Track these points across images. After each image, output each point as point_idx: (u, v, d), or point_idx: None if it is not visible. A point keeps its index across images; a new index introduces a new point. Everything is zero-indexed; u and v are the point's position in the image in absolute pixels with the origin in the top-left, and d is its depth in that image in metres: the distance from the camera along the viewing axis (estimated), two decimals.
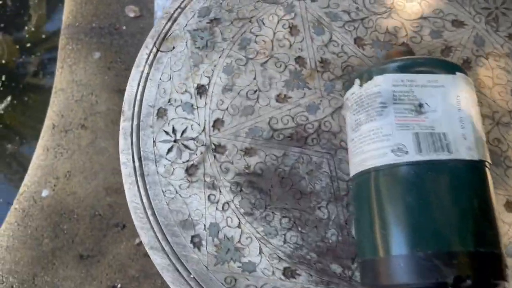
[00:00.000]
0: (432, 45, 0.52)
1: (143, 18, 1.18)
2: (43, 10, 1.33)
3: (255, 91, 0.50)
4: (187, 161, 0.48)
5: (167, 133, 0.49)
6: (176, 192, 0.47)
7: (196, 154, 0.48)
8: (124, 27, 1.17)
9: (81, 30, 1.15)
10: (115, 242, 0.97)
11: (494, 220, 0.36)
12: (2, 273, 0.94)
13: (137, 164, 0.48)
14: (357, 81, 0.42)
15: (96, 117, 1.06)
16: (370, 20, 0.53)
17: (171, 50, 0.53)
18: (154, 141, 0.49)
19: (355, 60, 0.51)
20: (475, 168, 0.37)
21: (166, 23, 0.54)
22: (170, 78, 0.52)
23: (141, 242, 0.95)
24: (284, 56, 0.52)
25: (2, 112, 1.24)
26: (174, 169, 0.48)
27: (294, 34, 0.53)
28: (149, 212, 0.47)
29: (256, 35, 0.53)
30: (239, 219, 0.46)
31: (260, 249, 0.45)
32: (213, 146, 0.48)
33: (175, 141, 0.49)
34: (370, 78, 0.41)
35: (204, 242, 0.45)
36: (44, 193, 1.00)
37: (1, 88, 1.26)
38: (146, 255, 0.96)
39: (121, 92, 1.08)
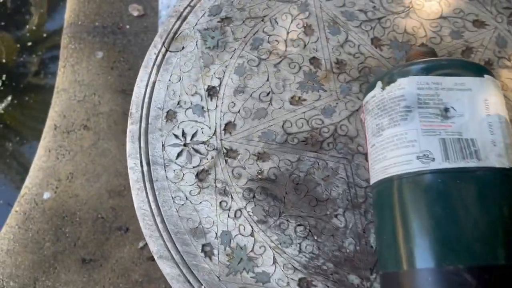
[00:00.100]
0: (452, 46, 0.50)
1: (147, 17, 1.16)
2: (44, 9, 1.31)
3: (268, 93, 0.48)
4: (198, 166, 0.46)
5: (176, 136, 0.48)
6: (186, 199, 0.45)
7: (207, 159, 0.46)
8: (127, 26, 1.15)
9: (84, 29, 1.13)
10: (118, 246, 0.95)
11: None
12: (3, 277, 0.92)
13: (145, 169, 0.47)
14: (379, 84, 0.40)
15: (98, 118, 1.04)
16: (388, 19, 0.51)
17: (181, 50, 0.51)
18: (163, 145, 0.47)
19: (372, 61, 0.50)
20: (506, 176, 0.35)
21: (175, 22, 0.52)
22: (180, 79, 0.50)
23: (144, 245, 0.93)
24: (298, 56, 0.50)
25: (2, 111, 1.22)
26: (184, 174, 0.46)
27: (309, 34, 0.51)
28: (158, 220, 0.45)
29: (269, 35, 0.51)
30: (252, 227, 0.44)
31: (274, 258, 0.43)
32: (225, 151, 0.47)
33: (185, 145, 0.47)
34: (393, 80, 0.39)
35: (215, 251, 0.43)
36: (46, 195, 0.99)
37: (1, 88, 1.24)
38: (150, 259, 0.94)
39: (124, 92, 1.06)
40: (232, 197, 0.45)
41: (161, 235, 0.45)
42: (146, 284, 0.91)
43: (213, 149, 0.47)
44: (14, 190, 1.09)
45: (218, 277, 0.43)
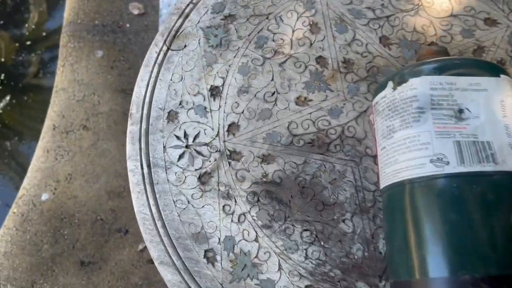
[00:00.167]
0: (464, 45, 0.48)
1: (148, 16, 1.15)
2: (43, 7, 1.30)
3: (273, 93, 0.47)
4: (200, 168, 0.45)
5: (178, 138, 0.46)
6: (188, 202, 0.44)
7: (210, 161, 0.45)
8: (127, 25, 1.14)
9: (83, 28, 1.11)
10: (118, 248, 0.93)
11: None
12: (0, 280, 0.90)
13: (145, 171, 0.45)
14: (390, 84, 0.38)
15: (98, 118, 1.02)
16: (397, 17, 0.50)
17: (183, 49, 0.50)
18: (164, 147, 0.46)
19: (380, 60, 0.48)
20: None
21: (177, 19, 0.51)
22: (182, 78, 0.48)
23: (144, 248, 0.91)
24: (304, 55, 0.48)
25: (0, 111, 1.20)
26: (185, 177, 0.45)
27: (315, 32, 0.50)
28: (158, 224, 0.43)
29: (274, 33, 0.50)
30: (256, 232, 0.42)
31: (280, 265, 0.41)
32: (228, 153, 0.45)
33: (187, 146, 0.46)
34: (404, 80, 0.37)
35: (218, 257, 0.42)
36: (44, 196, 0.98)
37: (0, 87, 1.22)
38: (149, 261, 0.92)
39: (124, 92, 1.05)
40: (235, 201, 0.44)
41: (162, 240, 0.43)
42: (146, 287, 0.90)
43: (216, 151, 0.45)
44: (13, 191, 1.08)
45: (221, 284, 0.41)
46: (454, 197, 0.33)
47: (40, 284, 0.90)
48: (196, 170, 0.45)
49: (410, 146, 0.36)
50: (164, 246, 0.43)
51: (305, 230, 0.43)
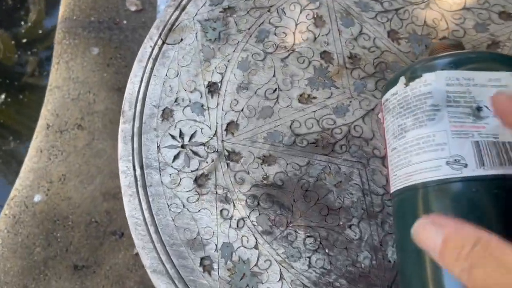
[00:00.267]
0: (477, 40, 0.45)
1: (145, 12, 1.12)
2: (42, 6, 1.27)
3: (275, 90, 0.44)
4: (196, 170, 0.42)
5: (173, 137, 0.43)
6: (183, 206, 0.41)
7: (207, 162, 0.42)
8: (124, 22, 1.11)
9: (79, 24, 1.09)
10: (113, 252, 0.91)
11: None
12: None
13: (138, 172, 0.42)
14: (402, 79, 0.35)
15: (93, 117, 1.00)
16: (406, 10, 0.47)
17: (179, 43, 0.47)
18: (158, 147, 0.43)
19: (389, 56, 0.45)
20: None
21: (174, 12, 0.48)
22: (178, 74, 0.46)
23: None
24: (308, 50, 0.46)
25: None
26: (181, 179, 0.42)
27: (319, 26, 0.47)
28: (151, 229, 0.41)
29: (276, 27, 0.47)
30: (256, 239, 0.40)
31: (281, 274, 0.39)
32: (226, 153, 0.42)
33: (182, 146, 0.43)
34: (418, 75, 0.34)
35: (215, 266, 0.39)
36: (37, 198, 0.96)
37: None
38: None
39: (120, 90, 1.02)
40: (234, 205, 0.41)
41: (155, 247, 0.40)
42: None
43: (214, 152, 0.43)
44: (5, 191, 1.05)
45: None
46: (473, 203, 0.30)
47: None
48: (192, 171, 0.42)
49: (424, 147, 0.33)
50: (157, 253, 0.40)
51: (309, 236, 0.40)
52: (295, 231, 0.40)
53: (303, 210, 0.41)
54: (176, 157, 0.43)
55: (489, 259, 0.21)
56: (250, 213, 0.41)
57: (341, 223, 0.40)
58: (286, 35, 0.47)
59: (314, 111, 0.44)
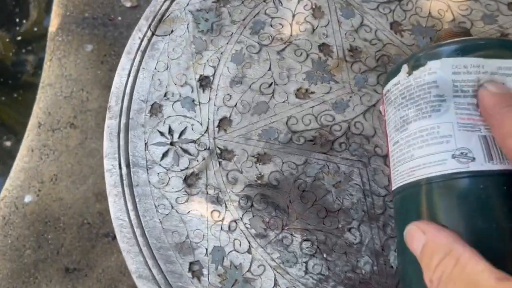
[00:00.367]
0: (485, 32, 0.43)
1: (140, 8, 1.11)
2: (42, 6, 1.26)
3: (270, 85, 0.42)
4: (186, 168, 0.40)
5: (162, 134, 0.41)
6: (172, 207, 0.39)
7: (197, 161, 0.40)
8: (119, 18, 1.10)
9: (72, 20, 1.07)
10: (105, 254, 0.89)
11: None
12: None
13: (124, 171, 0.40)
14: (405, 68, 0.33)
15: (86, 116, 0.98)
16: (410, 1, 0.45)
17: (169, 34, 0.45)
18: (146, 144, 0.41)
19: (391, 48, 0.43)
20: None
21: (164, 1, 0.46)
22: (167, 67, 0.43)
23: None
24: (306, 42, 0.44)
25: None
26: (169, 178, 0.40)
27: (318, 17, 0.45)
28: (137, 232, 0.38)
29: (272, 18, 0.45)
30: (249, 242, 0.38)
31: (276, 280, 0.37)
32: (218, 151, 0.40)
33: (171, 143, 0.41)
34: (421, 64, 0.32)
35: (205, 271, 0.37)
36: (27, 198, 0.94)
37: None
38: None
39: None
40: (226, 206, 0.39)
41: (141, 250, 0.38)
42: None
43: (205, 149, 0.40)
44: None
45: None
46: (481, 200, 0.28)
47: None
48: (181, 170, 0.40)
49: (427, 139, 0.30)
50: (144, 257, 0.38)
51: (305, 240, 0.38)
52: (291, 234, 0.38)
53: (299, 212, 0.39)
54: (164, 155, 0.41)
55: (459, 276, 0.22)
56: (243, 215, 0.39)
57: (340, 226, 0.38)
58: (282, 27, 0.44)
59: (312, 107, 0.41)
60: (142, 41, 0.45)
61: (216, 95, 0.42)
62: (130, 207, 0.39)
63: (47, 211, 0.91)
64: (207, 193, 0.39)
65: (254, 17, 0.45)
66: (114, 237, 0.91)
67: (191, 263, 0.38)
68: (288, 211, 0.39)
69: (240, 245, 0.38)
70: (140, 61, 0.44)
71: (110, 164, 0.41)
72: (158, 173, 0.40)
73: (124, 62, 0.44)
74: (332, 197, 0.39)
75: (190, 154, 0.41)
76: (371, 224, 0.38)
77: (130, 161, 0.41)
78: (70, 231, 0.90)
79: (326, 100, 0.42)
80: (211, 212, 0.39)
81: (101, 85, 1.00)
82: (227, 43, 0.44)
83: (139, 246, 0.38)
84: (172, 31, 0.45)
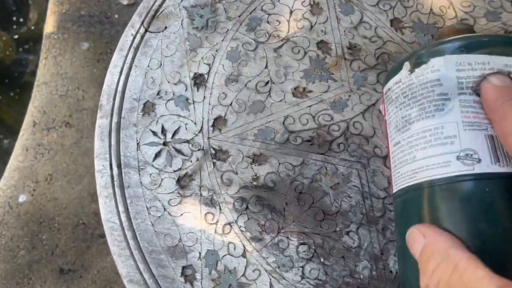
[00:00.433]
0: (488, 29, 0.42)
1: (137, 6, 1.09)
2: (43, 7, 1.25)
3: (267, 83, 0.41)
4: (179, 169, 0.39)
5: (154, 133, 0.40)
6: (164, 210, 0.38)
7: (191, 161, 0.39)
8: (116, 16, 1.08)
9: (68, 18, 1.06)
10: (101, 255, 0.88)
11: None
12: None
13: (115, 172, 0.39)
14: (406, 65, 0.32)
15: (82, 114, 0.97)
16: None
17: (163, 31, 0.44)
18: (138, 144, 0.40)
19: (392, 46, 0.42)
20: None
21: None
22: (161, 65, 0.42)
23: None
24: (304, 40, 0.42)
25: None
26: (162, 179, 0.39)
27: (316, 13, 0.43)
28: (128, 235, 0.37)
29: (269, 14, 0.44)
30: (244, 246, 0.37)
31: (271, 285, 0.36)
32: (213, 151, 0.39)
33: (164, 143, 0.40)
34: (424, 61, 0.31)
35: (198, 275, 0.36)
36: (22, 198, 0.93)
37: None
38: None
39: None
40: (220, 209, 0.38)
41: (132, 254, 0.37)
42: None
43: (199, 150, 0.39)
44: None
45: None
46: (486, 204, 0.27)
47: None
48: (174, 171, 0.39)
49: (431, 140, 0.29)
50: (135, 261, 0.37)
51: (302, 244, 0.37)
52: (287, 237, 0.37)
53: (296, 214, 0.37)
54: (157, 155, 0.39)
55: (457, 282, 0.21)
56: (237, 218, 0.37)
57: (338, 229, 0.37)
58: (279, 23, 0.43)
59: (310, 106, 0.40)
60: (134, 37, 0.43)
61: (210, 93, 0.41)
62: (121, 209, 0.38)
63: (41, 211, 0.90)
64: (200, 195, 0.38)
65: (250, 13, 0.44)
66: None
67: (183, 267, 0.36)
68: (285, 213, 0.37)
69: (234, 248, 0.37)
70: (133, 59, 0.43)
71: (101, 165, 0.39)
72: (150, 174, 0.39)
73: (116, 60, 0.43)
74: (330, 199, 0.38)
75: (183, 154, 0.39)
76: (370, 228, 0.37)
77: (122, 161, 0.39)
78: (65, 231, 0.89)
79: (324, 99, 0.40)
80: (205, 214, 0.38)
81: (97, 83, 0.99)
82: (223, 40, 0.43)
83: (130, 249, 0.37)
84: (165, 27, 0.44)
